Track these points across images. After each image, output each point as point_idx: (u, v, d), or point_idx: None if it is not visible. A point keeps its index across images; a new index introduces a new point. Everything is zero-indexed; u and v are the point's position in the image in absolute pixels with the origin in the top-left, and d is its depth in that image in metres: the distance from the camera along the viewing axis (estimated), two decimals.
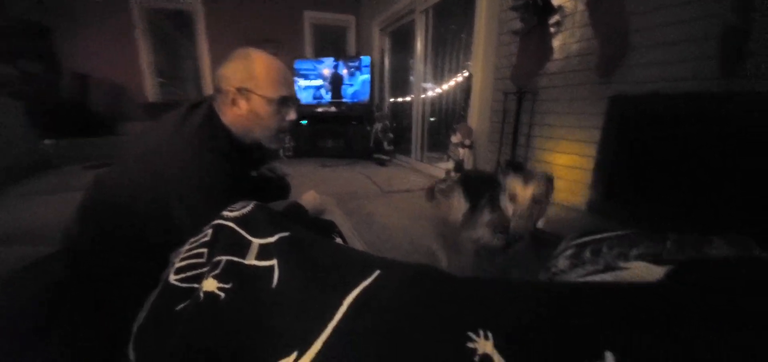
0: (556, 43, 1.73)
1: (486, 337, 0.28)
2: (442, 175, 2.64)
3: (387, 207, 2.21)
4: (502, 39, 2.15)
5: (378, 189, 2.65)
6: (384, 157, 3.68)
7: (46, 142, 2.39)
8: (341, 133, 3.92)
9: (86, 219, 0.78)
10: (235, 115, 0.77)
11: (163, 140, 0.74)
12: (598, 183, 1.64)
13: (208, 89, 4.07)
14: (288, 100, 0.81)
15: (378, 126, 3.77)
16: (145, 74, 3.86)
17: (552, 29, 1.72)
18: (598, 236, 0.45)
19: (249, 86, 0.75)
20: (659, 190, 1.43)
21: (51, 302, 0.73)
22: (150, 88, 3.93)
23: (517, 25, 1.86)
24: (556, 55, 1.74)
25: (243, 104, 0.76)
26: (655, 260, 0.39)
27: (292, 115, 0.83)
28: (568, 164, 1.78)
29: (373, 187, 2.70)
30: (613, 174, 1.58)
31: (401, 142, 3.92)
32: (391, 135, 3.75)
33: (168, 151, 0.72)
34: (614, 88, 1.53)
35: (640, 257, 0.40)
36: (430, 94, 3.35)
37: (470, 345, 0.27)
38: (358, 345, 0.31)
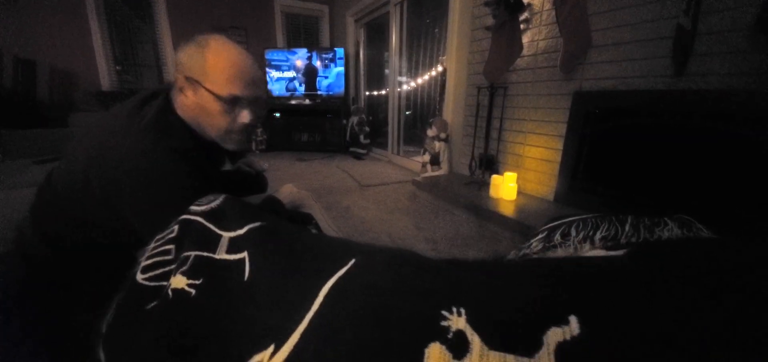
0: (525, 39, 1.81)
1: (459, 314, 0.29)
2: (418, 168, 2.68)
3: (365, 200, 2.22)
4: (475, 34, 2.20)
5: (355, 183, 2.64)
6: (360, 151, 3.67)
7: None
8: (317, 127, 3.86)
9: (39, 219, 0.72)
10: (183, 105, 0.70)
11: (114, 137, 0.64)
12: (563, 174, 1.74)
13: (171, 77, 3.85)
14: (240, 100, 0.69)
15: (354, 119, 3.75)
16: (98, 60, 3.56)
17: (522, 26, 1.79)
18: (567, 219, 0.49)
19: (198, 77, 0.66)
20: (617, 179, 1.55)
21: (5, 306, 0.67)
22: (105, 75, 3.64)
23: (490, 21, 1.92)
24: (526, 51, 1.81)
25: (190, 95, 0.68)
26: (615, 243, 0.42)
27: (244, 118, 0.71)
28: (538, 156, 1.87)
29: (350, 181, 2.69)
30: (576, 165, 1.69)
31: (377, 136, 3.93)
32: (367, 128, 3.74)
33: (119, 151, 0.63)
34: (577, 84, 1.62)
35: (603, 239, 0.43)
36: (405, 87, 3.37)
37: (444, 323, 0.29)
38: (336, 333, 0.31)
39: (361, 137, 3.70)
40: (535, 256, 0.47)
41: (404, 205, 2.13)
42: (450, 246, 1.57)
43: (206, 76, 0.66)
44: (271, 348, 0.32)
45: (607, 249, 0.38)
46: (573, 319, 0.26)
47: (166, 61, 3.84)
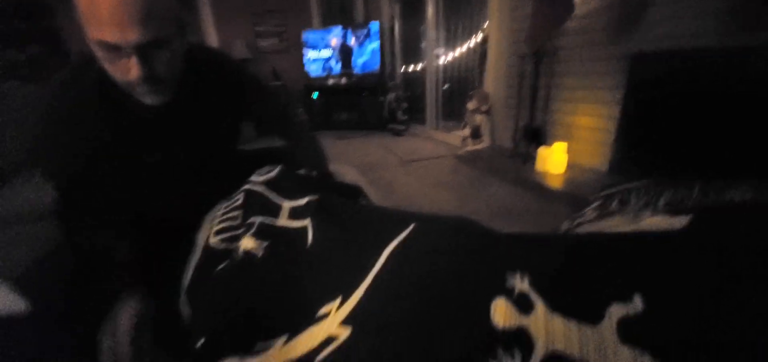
0: None
1: (522, 278, 0.30)
2: (458, 142, 2.62)
3: (407, 176, 2.24)
4: None
5: (397, 159, 2.66)
6: (399, 128, 3.66)
7: None
8: (354, 105, 3.89)
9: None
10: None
11: None
12: (619, 143, 1.61)
13: None
14: (113, 48, 0.50)
15: (391, 96, 3.73)
16: None
17: None
18: (626, 186, 0.47)
19: (82, 14, 0.49)
20: (681, 148, 1.40)
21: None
22: None
23: None
24: (577, 11, 1.66)
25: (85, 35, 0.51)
26: (681, 208, 0.40)
27: (132, 73, 0.52)
28: (590, 125, 1.74)
29: (391, 157, 2.72)
30: (635, 132, 1.55)
31: (415, 112, 3.88)
32: (405, 104, 3.71)
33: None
34: (635, 45, 1.46)
35: (667, 205, 0.41)
36: (443, 60, 3.26)
37: (508, 284, 0.30)
38: (400, 288, 0.34)
39: (399, 113, 3.68)
40: (589, 225, 0.46)
41: (446, 180, 2.12)
42: (493, 219, 1.55)
43: (81, 12, 0.49)
44: (338, 301, 0.36)
45: (671, 214, 0.36)
46: (637, 297, 0.27)
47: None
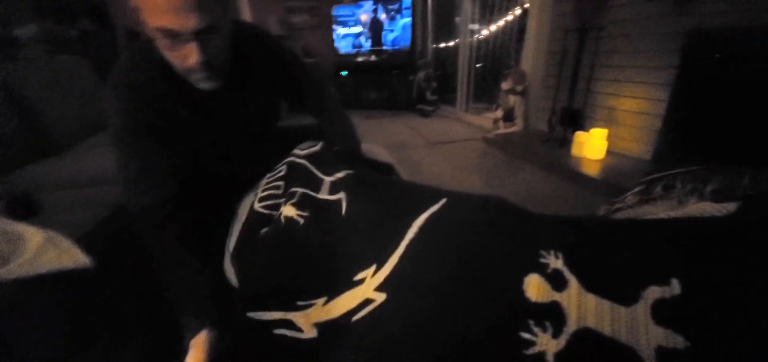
0: None
1: (556, 257, 0.31)
2: (489, 125, 2.55)
3: (433, 157, 2.22)
4: None
5: (424, 140, 2.64)
6: (428, 108, 3.60)
7: None
8: (383, 84, 3.86)
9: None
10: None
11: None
12: (666, 130, 1.50)
13: None
14: (172, 34, 0.53)
15: (421, 75, 3.65)
16: None
17: None
18: (672, 171, 0.44)
19: (138, 5, 0.53)
20: (737, 139, 1.27)
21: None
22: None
23: None
24: None
25: (142, 26, 0.56)
26: (730, 196, 0.38)
27: (191, 59, 0.56)
28: (634, 109, 1.63)
29: (418, 139, 2.70)
30: (685, 120, 1.43)
31: (445, 92, 3.78)
32: (434, 84, 3.63)
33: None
34: (695, 20, 1.32)
35: (715, 192, 0.38)
36: (477, 37, 3.13)
37: (542, 260, 0.30)
38: (432, 258, 0.35)
39: (428, 93, 3.61)
40: (629, 211, 0.44)
41: (474, 163, 2.08)
42: (522, 205, 1.51)
43: (142, 4, 0.53)
44: (373, 267, 0.38)
45: (718, 201, 0.34)
46: (675, 281, 0.26)
47: None
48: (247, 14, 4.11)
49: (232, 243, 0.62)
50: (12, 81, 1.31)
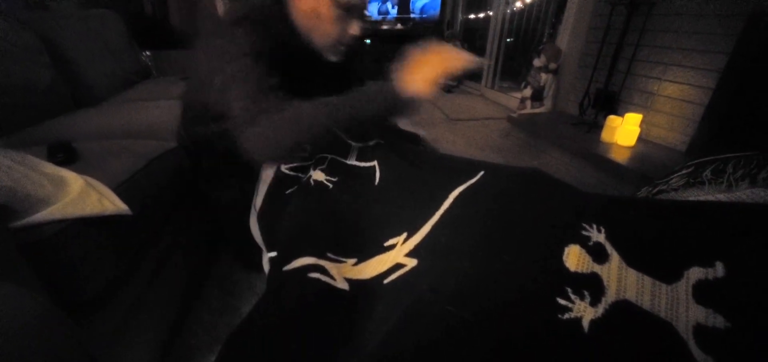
0: None
1: (599, 230, 0.30)
2: (514, 105, 2.46)
3: (453, 134, 2.18)
4: None
5: (444, 116, 2.59)
6: (451, 83, 3.50)
7: (146, 53, 2.64)
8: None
9: (186, 125, 0.89)
10: (298, 7, 0.68)
11: None
12: (709, 120, 1.40)
13: None
14: (356, 7, 0.68)
15: None
16: None
17: None
18: (723, 156, 0.41)
19: None
20: None
21: (177, 186, 0.91)
22: (220, 2, 4.06)
23: None
24: None
25: None
26: None
27: (354, 30, 0.70)
28: (675, 95, 1.53)
29: (439, 114, 2.64)
30: (731, 110, 1.33)
31: None
32: None
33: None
34: (756, 2, 1.20)
35: (767, 180, 0.36)
36: (511, 9, 2.96)
37: (584, 232, 0.30)
38: (468, 226, 0.35)
39: None
40: (672, 194, 0.42)
41: (496, 143, 2.03)
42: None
43: None
44: (405, 235, 0.38)
45: None
46: (719, 264, 0.25)
47: None
48: None
49: (258, 201, 0.64)
50: (47, 31, 1.34)
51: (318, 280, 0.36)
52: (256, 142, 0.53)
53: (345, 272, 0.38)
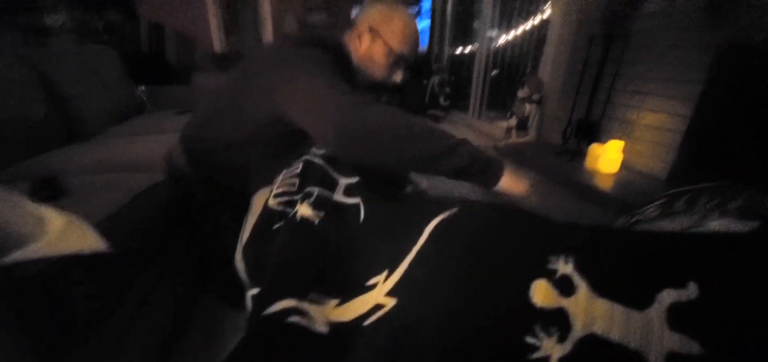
0: None
1: (566, 261, 0.30)
2: (500, 134, 2.52)
3: None
4: None
5: None
6: (439, 114, 3.59)
7: (142, 88, 2.67)
8: (397, 86, 3.86)
9: (188, 155, 0.88)
10: (355, 48, 0.80)
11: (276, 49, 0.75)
12: (686, 147, 1.46)
13: (268, 38, 4.21)
14: (404, 59, 0.82)
15: (435, 79, 3.64)
16: (211, 25, 4.08)
17: None
18: (696, 186, 0.43)
19: (380, 29, 0.77)
20: (763, 163, 1.23)
21: (163, 220, 0.90)
22: (216, 39, 4.17)
23: None
24: None
25: (366, 42, 0.79)
26: (755, 213, 0.37)
27: (398, 77, 0.84)
28: (654, 124, 1.59)
29: None
30: (707, 138, 1.39)
31: (459, 98, 3.77)
32: (448, 90, 3.61)
33: (280, 52, 0.72)
34: (727, 34, 1.29)
35: (739, 209, 0.38)
36: (495, 44, 3.11)
37: (551, 266, 0.30)
38: (441, 263, 0.35)
39: (442, 99, 3.60)
40: (647, 224, 0.43)
41: None
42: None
43: (388, 30, 0.77)
44: (385, 273, 0.38)
45: (742, 219, 0.33)
46: (692, 285, 0.26)
47: (263, 21, 4.20)
48: (266, 10, 4.17)
49: (245, 235, 0.63)
50: (43, 67, 1.36)
51: (297, 325, 0.36)
52: (379, 117, 0.56)
53: (327, 314, 0.38)
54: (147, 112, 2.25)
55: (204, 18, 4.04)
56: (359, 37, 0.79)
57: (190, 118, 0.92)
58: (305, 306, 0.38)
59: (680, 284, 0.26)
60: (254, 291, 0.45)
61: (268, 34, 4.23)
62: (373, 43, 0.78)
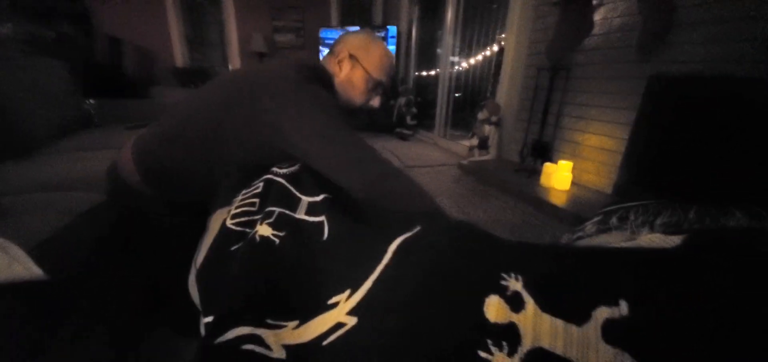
0: (597, 16, 1.66)
1: (517, 279, 0.32)
2: (464, 152, 2.63)
3: None
4: (540, 10, 2.07)
5: (401, 163, 2.68)
6: (406, 132, 3.68)
7: (90, 101, 2.49)
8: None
9: (142, 172, 0.81)
10: (335, 73, 0.83)
11: (261, 72, 0.73)
12: (627, 166, 1.61)
13: (234, 56, 4.14)
14: (382, 86, 0.87)
15: (402, 100, 3.75)
16: (173, 39, 3.95)
17: (594, 1, 1.65)
18: (627, 204, 0.48)
19: (359, 56, 0.82)
20: (691, 178, 1.39)
21: (106, 243, 0.83)
22: (178, 53, 4.03)
23: None
24: (596, 29, 1.67)
25: (346, 68, 0.82)
26: (677, 229, 0.41)
27: (375, 103, 0.89)
28: (598, 145, 1.75)
29: (395, 162, 2.74)
30: (644, 157, 1.55)
31: (424, 118, 3.89)
32: (414, 110, 3.73)
33: (264, 76, 0.71)
34: (654, 66, 1.47)
35: (664, 225, 0.42)
36: (457, 68, 3.28)
37: (503, 282, 0.32)
38: (403, 281, 0.36)
39: (408, 118, 3.70)
40: (588, 240, 0.47)
41: (448, 188, 2.13)
42: (492, 231, 1.55)
43: (367, 58, 0.82)
44: (348, 292, 0.38)
45: (667, 234, 0.37)
46: (623, 302, 0.28)
47: (230, 39, 4.13)
48: (232, 29, 4.10)
49: (199, 258, 0.60)
50: None
51: (252, 352, 0.34)
52: (395, 185, 0.64)
53: (284, 338, 0.37)
54: (94, 127, 2.10)
55: (165, 32, 3.90)
56: (339, 63, 0.83)
57: (145, 132, 0.86)
58: (261, 331, 0.37)
59: (613, 301, 0.28)
60: (208, 318, 0.43)
61: (234, 52, 4.14)
62: (353, 69, 0.82)
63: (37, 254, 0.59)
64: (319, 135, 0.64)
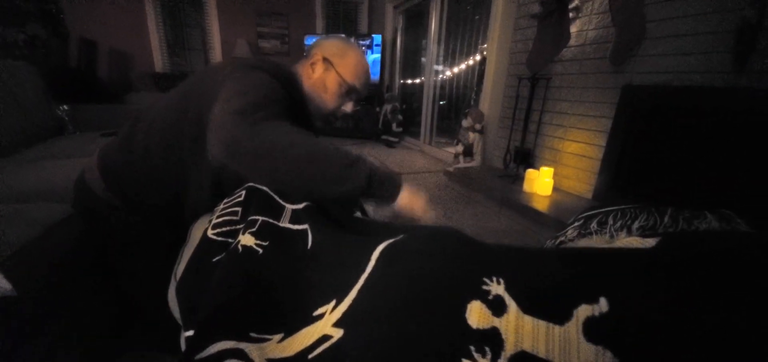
0: (573, 28, 1.73)
1: (498, 282, 0.33)
2: (450, 159, 2.67)
3: None
4: (519, 23, 2.13)
5: None
6: (392, 139, 3.71)
7: (63, 107, 2.40)
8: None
9: (109, 181, 0.78)
10: (308, 75, 0.82)
11: (219, 68, 0.72)
12: (605, 171, 1.68)
13: (217, 61, 4.06)
14: (355, 92, 0.85)
15: (387, 107, 3.78)
16: (153, 43, 3.84)
17: (571, 14, 1.72)
18: (605, 209, 0.50)
19: (334, 60, 0.81)
20: (665, 180, 1.46)
21: (79, 256, 0.79)
22: (158, 58, 3.93)
23: (536, 8, 1.85)
24: (573, 41, 1.74)
25: (319, 71, 0.81)
26: (653, 232, 0.43)
27: (348, 108, 0.87)
28: (577, 152, 1.81)
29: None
30: (620, 163, 1.62)
31: (410, 125, 3.93)
32: (400, 117, 3.76)
33: (223, 72, 0.69)
34: (627, 77, 1.54)
35: (641, 228, 0.44)
36: (442, 76, 3.34)
37: (485, 287, 0.32)
38: (387, 289, 0.36)
39: (394, 125, 3.73)
40: (569, 244, 0.49)
41: (434, 195, 2.16)
42: (477, 237, 1.58)
43: (342, 63, 0.81)
44: (333, 302, 0.37)
45: (644, 237, 0.39)
46: (603, 299, 0.29)
47: (212, 44, 4.06)
48: (215, 34, 4.04)
49: (179, 270, 0.58)
50: None
51: None
52: (277, 136, 0.57)
53: (268, 352, 0.36)
54: (68, 134, 2.02)
55: (144, 35, 3.78)
56: (313, 65, 0.81)
57: (112, 140, 0.82)
58: (244, 345, 0.36)
59: (593, 299, 0.29)
60: (189, 333, 0.41)
61: (217, 57, 4.07)
62: (327, 72, 0.81)
63: (7, 267, 0.55)
64: (234, 110, 0.58)
